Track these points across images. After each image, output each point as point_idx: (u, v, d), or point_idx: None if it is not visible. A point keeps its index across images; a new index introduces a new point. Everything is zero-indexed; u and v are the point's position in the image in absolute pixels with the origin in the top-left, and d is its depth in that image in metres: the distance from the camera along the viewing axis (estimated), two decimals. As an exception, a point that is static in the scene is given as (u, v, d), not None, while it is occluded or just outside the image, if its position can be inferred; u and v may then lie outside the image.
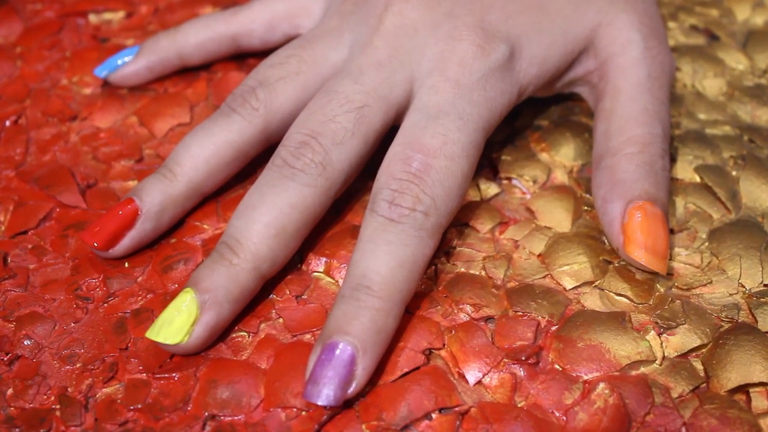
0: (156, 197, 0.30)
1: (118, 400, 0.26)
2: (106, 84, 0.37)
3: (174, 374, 0.27)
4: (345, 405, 0.26)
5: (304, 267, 0.30)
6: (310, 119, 0.29)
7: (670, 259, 0.29)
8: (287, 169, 0.28)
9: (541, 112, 0.35)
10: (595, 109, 0.32)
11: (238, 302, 0.27)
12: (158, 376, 0.27)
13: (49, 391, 0.27)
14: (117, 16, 0.41)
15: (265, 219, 0.28)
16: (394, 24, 0.31)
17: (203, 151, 0.30)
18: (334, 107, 0.29)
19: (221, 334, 0.28)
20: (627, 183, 0.29)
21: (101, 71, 0.36)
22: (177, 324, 0.27)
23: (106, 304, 0.29)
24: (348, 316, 0.26)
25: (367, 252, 0.27)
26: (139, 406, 0.26)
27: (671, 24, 0.38)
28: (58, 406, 0.26)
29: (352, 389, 0.25)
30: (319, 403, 0.25)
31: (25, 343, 0.28)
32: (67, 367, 0.28)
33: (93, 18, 0.41)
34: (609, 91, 0.31)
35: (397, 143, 0.29)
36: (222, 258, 0.27)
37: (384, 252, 0.27)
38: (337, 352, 0.25)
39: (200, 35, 0.36)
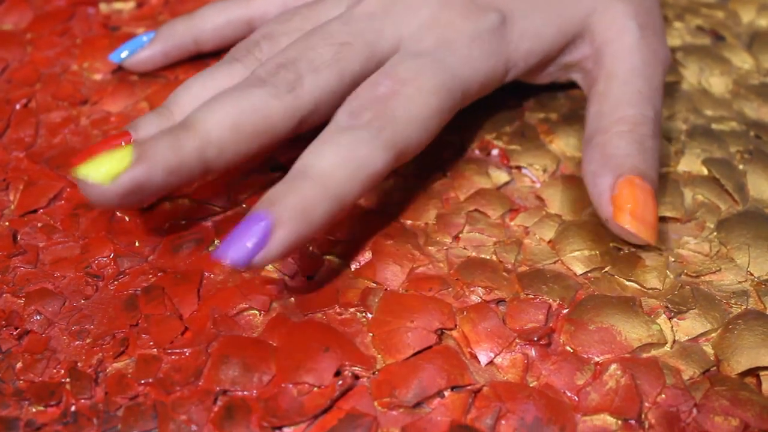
0: (151, 132, 0.30)
1: (129, 375, 0.26)
2: (116, 70, 0.37)
3: (185, 350, 0.27)
4: (357, 381, 0.26)
5: (315, 249, 0.30)
6: (292, 48, 0.30)
7: (679, 248, 0.30)
8: (259, 82, 0.29)
9: (549, 105, 0.35)
10: (588, 94, 0.33)
11: (173, 174, 0.27)
12: (169, 351, 0.27)
13: (59, 365, 0.27)
14: (127, 6, 0.41)
15: (225, 110, 0.28)
16: None
17: (204, 94, 0.30)
18: (316, 39, 0.30)
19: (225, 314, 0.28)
20: (617, 158, 0.29)
21: (117, 56, 0.36)
22: (106, 167, 0.26)
23: (116, 282, 0.29)
24: (278, 193, 0.26)
25: (314, 148, 0.27)
26: (150, 380, 0.26)
27: (677, 24, 0.39)
28: (68, 380, 0.26)
29: (260, 256, 0.25)
30: (225, 263, 0.25)
31: (35, 318, 0.28)
32: (77, 342, 0.27)
33: (103, 7, 0.41)
34: (603, 75, 0.32)
35: (373, 74, 0.29)
36: (171, 131, 0.27)
37: (331, 151, 0.27)
38: (258, 220, 0.25)
39: (216, 20, 0.36)
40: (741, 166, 0.32)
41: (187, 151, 0.27)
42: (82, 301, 0.29)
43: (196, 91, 0.31)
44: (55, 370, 0.27)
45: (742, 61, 0.37)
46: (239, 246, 0.25)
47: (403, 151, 0.28)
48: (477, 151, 0.33)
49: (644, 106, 0.30)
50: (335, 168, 0.27)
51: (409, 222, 0.31)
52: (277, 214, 0.25)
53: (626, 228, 0.28)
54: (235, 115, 0.28)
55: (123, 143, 0.29)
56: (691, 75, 0.36)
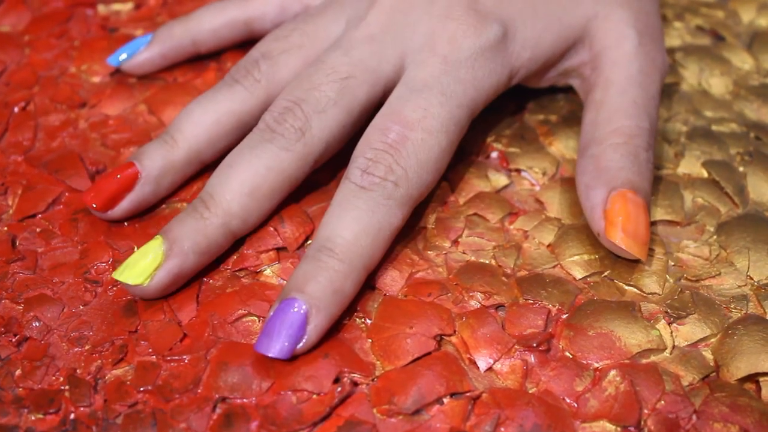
0: (156, 161, 0.30)
1: (128, 382, 0.26)
2: (114, 73, 0.37)
3: (184, 357, 0.27)
4: (356, 388, 0.26)
5: (314, 254, 0.30)
6: (297, 87, 0.30)
7: (679, 251, 0.29)
8: (268, 133, 0.29)
9: (549, 107, 0.35)
10: (585, 101, 0.32)
11: (204, 254, 0.28)
12: (168, 358, 0.27)
13: (57, 372, 0.27)
14: (126, 7, 0.41)
15: (240, 178, 0.29)
16: (390, 0, 0.31)
17: (205, 118, 0.31)
18: (320, 76, 0.30)
19: (229, 322, 0.28)
20: (611, 171, 0.29)
21: (115, 59, 0.36)
22: (140, 266, 0.27)
23: (115, 288, 0.29)
24: (307, 275, 0.26)
25: (334, 216, 0.28)
26: (149, 388, 0.26)
27: (677, 24, 0.39)
28: (66, 387, 0.26)
29: (302, 345, 0.26)
30: (269, 355, 0.26)
31: (34, 324, 0.28)
32: (76, 349, 0.27)
33: (101, 8, 0.41)
34: (600, 83, 0.31)
35: (380, 114, 0.29)
36: (194, 211, 0.28)
37: (351, 217, 0.27)
38: (292, 309, 0.26)
39: (214, 21, 0.36)
40: (741, 168, 0.32)
41: (212, 230, 0.28)
42: (81, 307, 0.29)
43: (197, 116, 0.31)
44: (54, 377, 0.27)
45: (742, 61, 0.37)
46: (279, 340, 0.26)
47: (419, 198, 0.29)
48: (476, 154, 0.33)
49: (640, 116, 0.30)
50: (358, 238, 0.27)
51: (408, 226, 0.30)
52: (309, 301, 0.26)
53: (617, 244, 0.28)
54: (250, 180, 0.29)
55: (129, 171, 0.30)
56: (691, 75, 0.36)
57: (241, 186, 0.29)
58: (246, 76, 0.31)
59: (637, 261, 0.29)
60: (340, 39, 0.31)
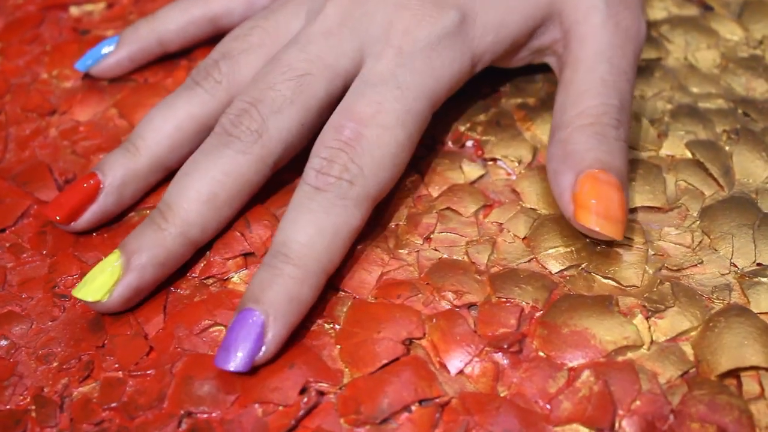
0: (118, 172, 0.30)
1: (94, 400, 0.26)
2: (86, 76, 0.36)
3: (149, 371, 0.26)
4: (322, 398, 0.25)
5: (283, 258, 0.29)
6: (252, 87, 0.29)
7: (660, 239, 0.28)
8: (225, 137, 0.29)
9: (527, 89, 0.34)
10: (559, 81, 0.31)
11: (163, 266, 0.28)
12: (134, 373, 0.26)
13: (25, 392, 0.26)
14: (98, 7, 0.40)
15: (197, 186, 0.28)
16: None
17: (166, 125, 0.30)
18: (275, 75, 0.29)
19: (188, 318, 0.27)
20: (578, 153, 0.28)
21: (82, 65, 0.35)
22: (99, 282, 0.27)
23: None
24: (263, 284, 0.26)
25: (289, 220, 0.27)
26: (114, 405, 0.26)
27: (664, -5, 0.37)
28: (33, 407, 0.26)
29: (261, 356, 0.25)
30: (228, 369, 0.25)
31: (2, 343, 0.28)
32: (44, 366, 0.27)
33: (74, 10, 0.40)
34: (570, 61, 0.30)
35: (336, 112, 0.29)
36: (152, 223, 0.28)
37: (306, 220, 0.27)
38: (250, 320, 0.25)
39: (179, 20, 0.35)
40: (727, 148, 0.31)
41: (171, 241, 0.28)
42: (50, 323, 0.28)
43: (158, 123, 0.30)
44: (21, 397, 0.26)
45: (731, 32, 0.35)
46: (236, 353, 0.25)
47: (377, 196, 0.28)
48: (450, 144, 0.32)
49: (608, 94, 0.28)
50: (313, 241, 0.26)
51: (379, 223, 0.30)
52: (266, 311, 0.25)
53: (588, 227, 0.26)
54: (207, 187, 0.28)
55: (91, 182, 0.30)
56: (677, 50, 0.35)
57: (198, 194, 0.28)
58: (206, 78, 0.31)
59: (612, 243, 0.28)
60: (298, 35, 0.30)
